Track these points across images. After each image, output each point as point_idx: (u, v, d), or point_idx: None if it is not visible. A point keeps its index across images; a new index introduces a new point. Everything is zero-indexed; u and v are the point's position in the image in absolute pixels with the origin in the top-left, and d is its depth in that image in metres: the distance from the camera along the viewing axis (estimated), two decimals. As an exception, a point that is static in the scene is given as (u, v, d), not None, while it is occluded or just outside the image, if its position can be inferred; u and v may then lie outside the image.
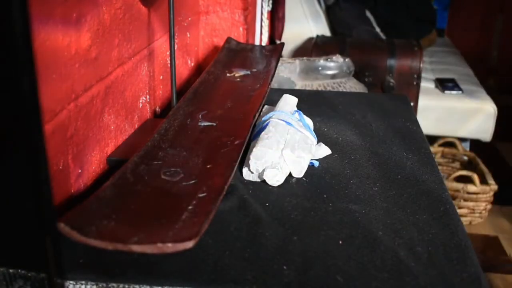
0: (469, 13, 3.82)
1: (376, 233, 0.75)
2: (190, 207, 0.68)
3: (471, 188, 2.17)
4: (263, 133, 0.93)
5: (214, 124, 0.98)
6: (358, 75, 2.13)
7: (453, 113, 2.38)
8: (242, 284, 0.64)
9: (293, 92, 1.20)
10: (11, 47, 0.48)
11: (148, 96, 1.15)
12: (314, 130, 1.04)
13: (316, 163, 0.95)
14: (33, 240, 0.59)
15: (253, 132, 0.98)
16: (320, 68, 1.71)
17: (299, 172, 0.90)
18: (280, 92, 1.17)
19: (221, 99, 1.09)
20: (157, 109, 1.23)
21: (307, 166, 0.91)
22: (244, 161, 0.91)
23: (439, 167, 1.01)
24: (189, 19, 1.45)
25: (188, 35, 1.45)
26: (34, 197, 0.54)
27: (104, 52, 0.92)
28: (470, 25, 3.84)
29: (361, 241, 0.73)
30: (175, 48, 1.10)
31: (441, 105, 2.39)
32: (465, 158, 2.44)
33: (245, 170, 0.90)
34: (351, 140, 1.06)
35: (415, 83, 2.21)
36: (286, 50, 2.50)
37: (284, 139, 0.92)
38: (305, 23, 2.54)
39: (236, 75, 1.22)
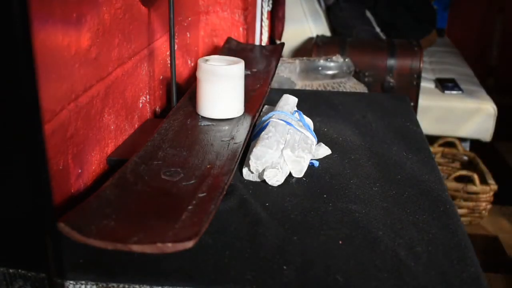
0: (469, 13, 3.82)
1: (376, 233, 0.75)
2: (190, 207, 0.68)
3: (471, 188, 2.17)
4: (263, 133, 0.93)
5: (214, 124, 0.98)
6: (358, 75, 2.13)
7: (453, 113, 2.38)
8: (242, 284, 0.64)
9: (293, 92, 1.20)
10: (11, 47, 0.48)
11: (148, 96, 1.15)
12: (314, 130, 1.04)
13: (316, 163, 0.95)
14: (33, 240, 0.59)
15: (253, 132, 0.98)
16: (320, 68, 1.71)
17: (299, 172, 0.90)
18: (280, 92, 1.17)
19: (221, 99, 1.09)
20: (157, 109, 1.23)
21: (307, 166, 0.91)
22: (244, 161, 0.91)
23: (439, 167, 1.00)
24: (189, 19, 1.45)
25: (188, 35, 1.45)
26: (34, 197, 0.54)
27: (104, 52, 0.92)
28: (470, 25, 3.83)
29: (361, 241, 0.73)
30: (175, 48, 1.10)
31: (441, 105, 2.39)
32: (465, 158, 2.44)
33: (245, 170, 0.90)
34: (351, 140, 1.06)
35: (415, 83, 2.21)
36: (286, 50, 2.50)
37: (284, 139, 0.92)
38: (305, 23, 2.54)
39: (236, 75, 1.22)
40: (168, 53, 1.25)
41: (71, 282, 0.65)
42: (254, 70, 1.27)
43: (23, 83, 0.49)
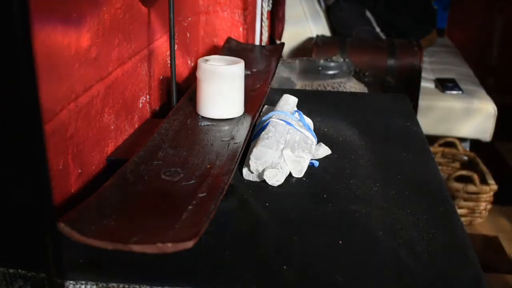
0: (469, 13, 3.82)
1: (376, 233, 0.75)
2: (190, 207, 0.68)
3: (471, 188, 2.17)
4: (263, 133, 0.93)
5: (214, 124, 0.98)
6: (358, 75, 2.13)
7: (453, 113, 2.38)
8: (242, 284, 0.64)
9: (293, 92, 1.20)
10: (11, 47, 0.48)
11: (148, 96, 1.15)
12: (314, 130, 1.04)
13: (316, 163, 0.95)
14: (33, 240, 0.59)
15: (253, 132, 0.98)
16: (320, 68, 1.71)
17: (299, 172, 0.90)
18: (280, 92, 1.17)
19: (221, 99, 1.08)
20: (157, 109, 1.23)
21: (307, 166, 0.91)
22: (244, 161, 0.91)
23: (439, 167, 1.01)
24: (189, 19, 1.45)
25: (188, 35, 1.45)
26: (34, 197, 0.54)
27: (104, 52, 0.92)
28: (470, 25, 3.84)
29: (361, 241, 0.73)
30: (175, 48, 1.10)
31: (441, 105, 2.39)
32: (465, 158, 2.44)
33: (245, 170, 0.90)
34: (351, 140, 1.06)
35: (415, 83, 2.21)
36: (286, 50, 2.50)
37: (284, 139, 0.92)
38: (305, 23, 2.54)
39: (236, 75, 1.22)
40: (168, 53, 1.25)
41: (71, 282, 0.65)
42: (254, 70, 1.27)
43: (23, 83, 0.49)
